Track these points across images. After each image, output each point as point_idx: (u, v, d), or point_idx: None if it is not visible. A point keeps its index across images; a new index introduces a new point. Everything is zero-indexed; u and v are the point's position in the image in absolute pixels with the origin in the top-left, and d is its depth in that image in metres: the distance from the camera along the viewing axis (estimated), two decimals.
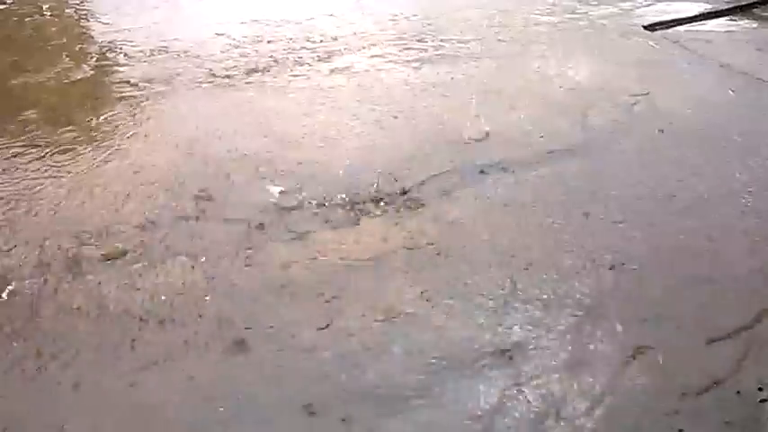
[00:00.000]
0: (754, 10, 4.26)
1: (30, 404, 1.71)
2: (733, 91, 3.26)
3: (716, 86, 3.31)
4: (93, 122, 2.95)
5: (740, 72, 3.44)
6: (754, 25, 4.06)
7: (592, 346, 1.90)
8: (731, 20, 4.14)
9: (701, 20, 4.12)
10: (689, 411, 1.72)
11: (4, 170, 2.59)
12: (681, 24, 4.06)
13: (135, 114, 3.01)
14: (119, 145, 2.79)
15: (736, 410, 1.73)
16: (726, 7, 4.26)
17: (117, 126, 2.92)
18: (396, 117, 3.01)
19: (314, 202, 2.45)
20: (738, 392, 1.77)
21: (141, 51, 3.57)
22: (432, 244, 2.26)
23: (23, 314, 1.95)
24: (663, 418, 1.69)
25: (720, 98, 3.21)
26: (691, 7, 4.25)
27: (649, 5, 4.30)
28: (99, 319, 1.95)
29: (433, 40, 3.73)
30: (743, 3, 4.30)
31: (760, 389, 1.78)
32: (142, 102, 3.11)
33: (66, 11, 3.99)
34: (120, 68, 3.41)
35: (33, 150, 2.73)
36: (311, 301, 2.03)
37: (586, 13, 4.10)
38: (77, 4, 4.06)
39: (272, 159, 2.69)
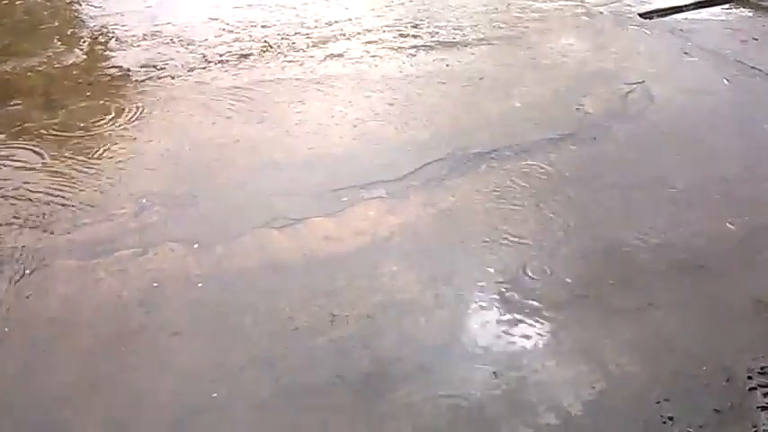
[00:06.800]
0: None
1: None
2: (728, 80, 3.26)
3: (711, 75, 3.31)
4: (87, 109, 2.93)
5: (735, 61, 3.43)
6: (750, 14, 4.05)
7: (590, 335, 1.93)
8: (727, 9, 4.13)
9: (696, 8, 4.10)
10: (679, 399, 1.73)
11: None
12: (677, 12, 4.05)
13: (128, 101, 2.99)
14: (112, 133, 2.76)
15: (726, 398, 1.74)
16: None
17: (110, 114, 2.89)
18: (391, 104, 2.99)
19: (310, 189, 2.45)
20: (728, 380, 1.79)
21: (134, 36, 3.53)
22: (421, 231, 2.27)
23: None
24: (653, 406, 1.71)
25: (715, 87, 3.21)
26: None
27: None
28: None
29: (428, 27, 3.71)
30: None
31: (749, 377, 1.80)
32: (135, 88, 3.08)
33: None
34: (113, 53, 3.38)
35: (23, 139, 2.71)
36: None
37: (582, 0, 4.08)
38: None
39: (266, 146, 2.68)
